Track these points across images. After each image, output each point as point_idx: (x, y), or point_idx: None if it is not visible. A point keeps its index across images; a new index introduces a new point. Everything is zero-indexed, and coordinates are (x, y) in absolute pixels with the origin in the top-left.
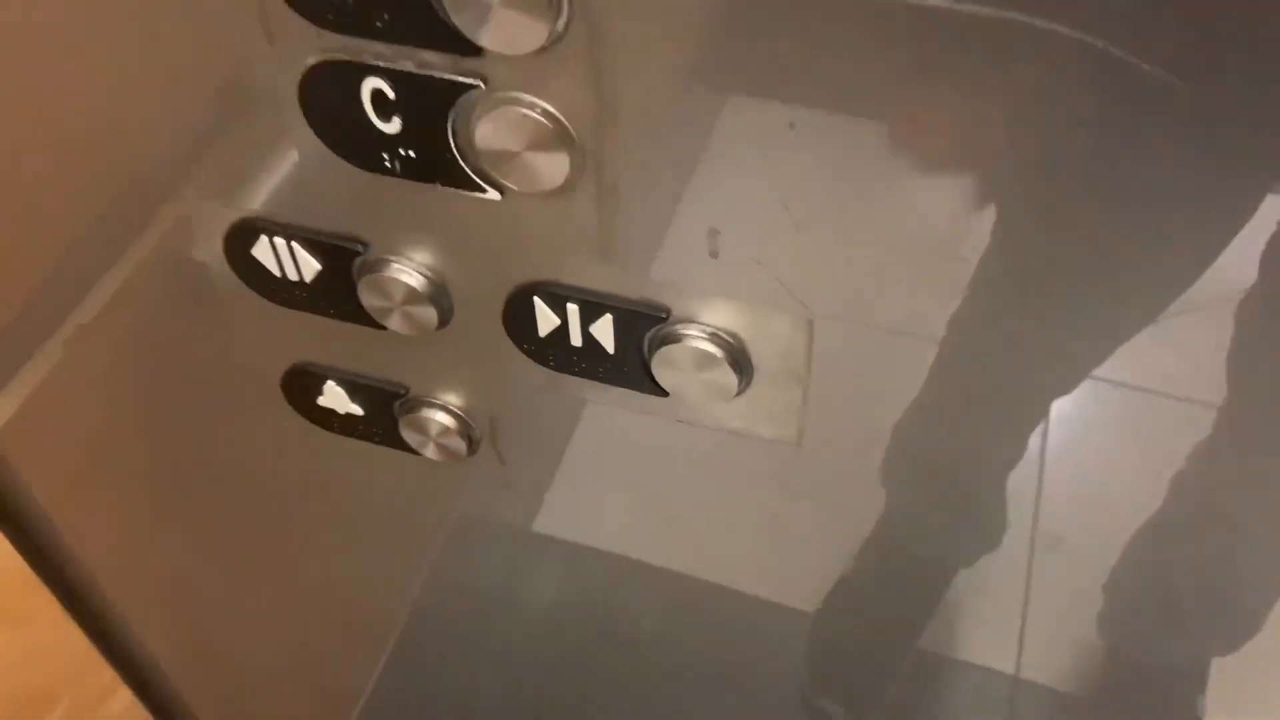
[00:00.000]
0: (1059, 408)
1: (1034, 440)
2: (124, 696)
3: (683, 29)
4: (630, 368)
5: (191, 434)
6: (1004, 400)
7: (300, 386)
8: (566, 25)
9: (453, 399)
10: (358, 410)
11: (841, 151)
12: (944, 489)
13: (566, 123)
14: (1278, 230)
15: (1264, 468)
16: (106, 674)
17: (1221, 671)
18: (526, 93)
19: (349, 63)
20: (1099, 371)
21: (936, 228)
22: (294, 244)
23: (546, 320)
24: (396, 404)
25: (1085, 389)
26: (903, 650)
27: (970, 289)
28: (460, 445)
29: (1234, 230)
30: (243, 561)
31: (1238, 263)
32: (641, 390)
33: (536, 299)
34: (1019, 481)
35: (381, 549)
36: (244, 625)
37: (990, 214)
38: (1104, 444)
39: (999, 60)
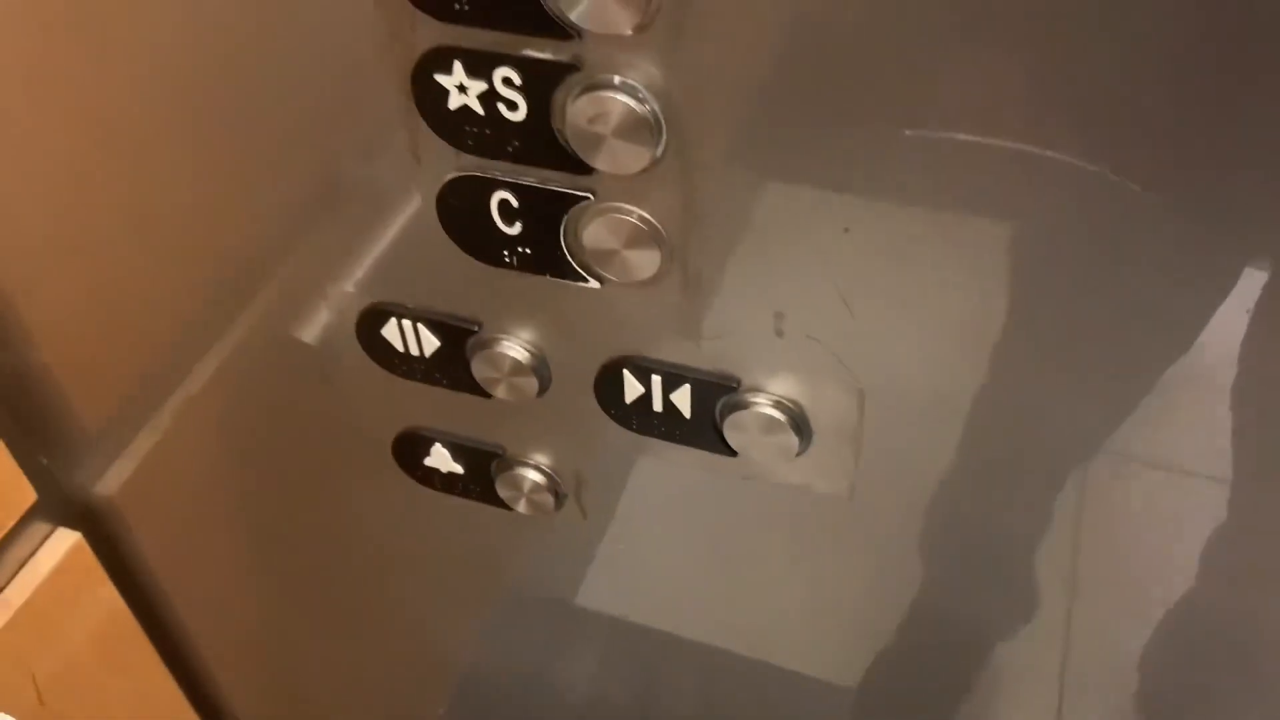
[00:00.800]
0: (1094, 487)
1: (1068, 518)
2: None
3: (756, 156)
4: (704, 430)
5: (293, 496)
6: (1024, 470)
7: (409, 448)
8: (663, 152)
9: (543, 458)
10: (459, 469)
11: (887, 249)
12: (976, 559)
13: (660, 226)
14: (1250, 322)
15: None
16: None
17: None
18: (628, 203)
19: (483, 178)
20: (1135, 451)
21: (965, 314)
22: (419, 324)
23: (633, 389)
24: (494, 463)
25: (1119, 468)
26: None
27: (989, 366)
28: (549, 500)
29: (1203, 315)
30: (328, 615)
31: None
32: (713, 450)
33: (625, 371)
34: (1054, 558)
35: (462, 600)
36: (321, 674)
37: (1007, 301)
38: (1138, 523)
39: (1019, 179)
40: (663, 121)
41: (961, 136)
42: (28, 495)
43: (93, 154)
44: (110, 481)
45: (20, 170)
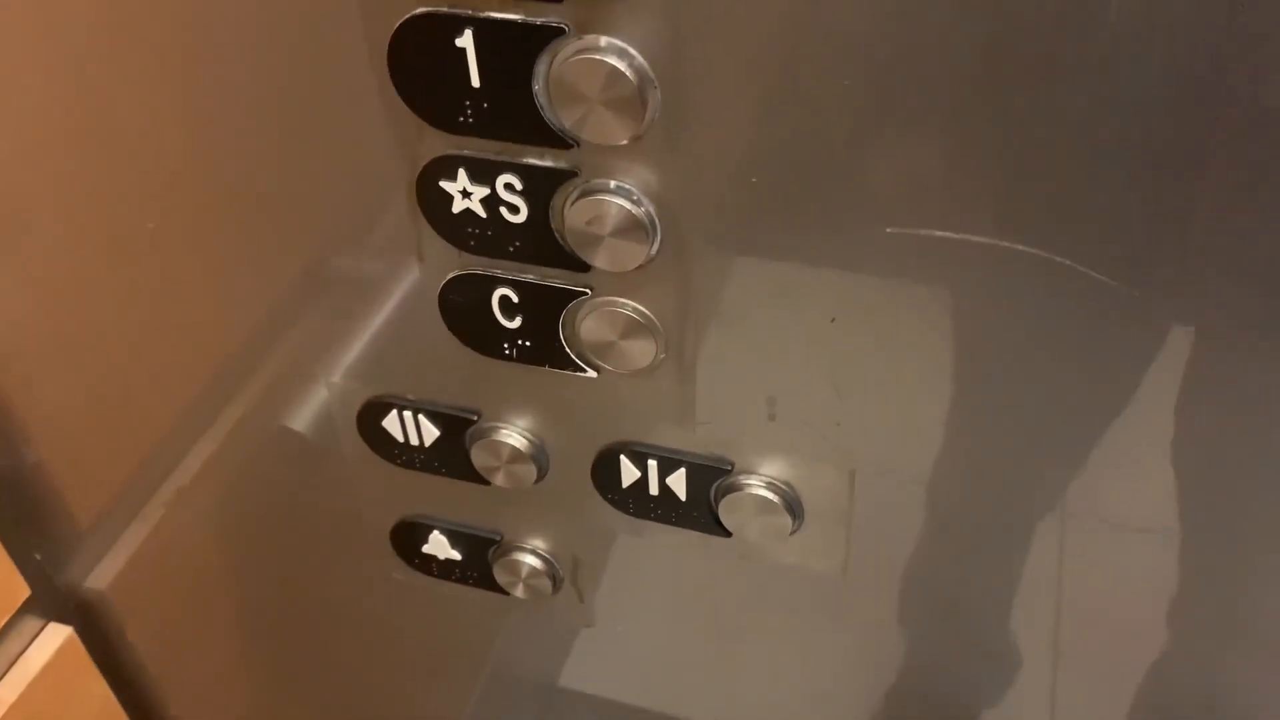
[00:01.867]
0: (1072, 551)
1: (1049, 585)
2: None
3: (745, 252)
4: (699, 512)
5: (286, 587)
6: (1008, 541)
7: (407, 536)
8: (658, 249)
9: (541, 544)
10: (456, 556)
11: (871, 337)
12: (966, 630)
13: (654, 318)
14: (1183, 382)
15: (1229, 600)
16: None
17: None
18: (624, 297)
19: (484, 276)
20: (1113, 517)
21: (946, 395)
22: (419, 415)
23: (629, 474)
24: (491, 549)
25: (1096, 532)
26: None
27: (972, 444)
28: (546, 585)
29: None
30: (322, 705)
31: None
32: (708, 532)
33: (622, 456)
34: (1038, 623)
35: (458, 686)
36: None
37: (985, 382)
38: (1119, 588)
39: (991, 271)
40: (657, 221)
41: (939, 234)
42: (21, 591)
43: (93, 256)
44: (102, 576)
45: (18, 271)
